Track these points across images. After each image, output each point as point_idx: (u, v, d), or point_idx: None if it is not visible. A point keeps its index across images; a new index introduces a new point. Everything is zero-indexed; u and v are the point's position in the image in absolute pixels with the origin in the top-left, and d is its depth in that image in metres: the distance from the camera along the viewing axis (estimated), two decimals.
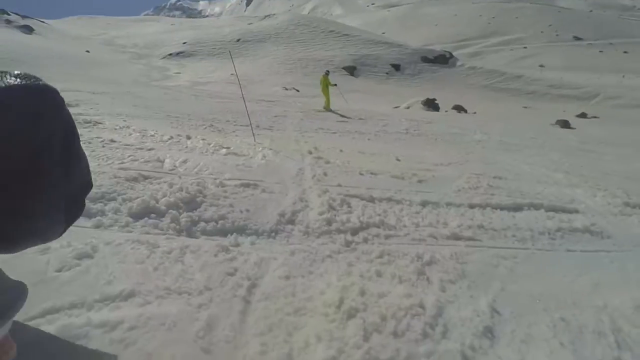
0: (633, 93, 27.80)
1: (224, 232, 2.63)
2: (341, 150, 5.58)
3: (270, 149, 5.21)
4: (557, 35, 63.46)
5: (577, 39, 62.04)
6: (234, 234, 2.61)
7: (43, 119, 0.40)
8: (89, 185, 0.46)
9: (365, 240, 2.58)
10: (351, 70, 31.44)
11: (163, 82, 24.68)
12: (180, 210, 2.87)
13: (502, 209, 3.68)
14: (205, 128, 7.32)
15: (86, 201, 3.33)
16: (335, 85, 12.38)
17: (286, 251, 2.40)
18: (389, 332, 1.77)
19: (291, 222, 2.77)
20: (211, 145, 5.08)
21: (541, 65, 44.13)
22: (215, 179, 3.51)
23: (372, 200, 3.30)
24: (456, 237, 2.83)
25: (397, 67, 32.74)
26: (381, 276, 2.19)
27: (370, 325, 1.75)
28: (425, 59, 34.51)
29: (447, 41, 57.50)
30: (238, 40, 39.76)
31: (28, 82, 0.40)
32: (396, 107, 19.48)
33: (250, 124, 6.44)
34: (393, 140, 7.55)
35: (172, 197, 3.00)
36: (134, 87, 14.24)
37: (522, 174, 5.43)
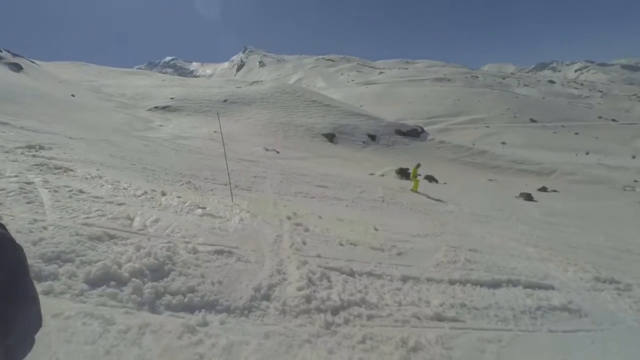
0: (586, 169, 30.56)
1: (191, 308, 2.38)
2: (320, 217, 5.53)
3: (248, 212, 5.08)
4: (515, 117, 70.83)
5: (533, 121, 69.45)
6: (203, 310, 2.36)
7: None
8: (37, 328, 0.39)
9: (347, 322, 2.39)
10: (330, 138, 32.98)
11: (145, 132, 24.67)
12: (145, 279, 2.60)
13: (481, 285, 3.63)
14: (183, 184, 7.14)
15: (38, 261, 2.93)
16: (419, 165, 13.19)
17: (260, 333, 2.17)
18: None
19: (267, 297, 2.56)
20: (187, 204, 4.90)
21: (503, 143, 48.27)
22: (188, 243, 3.30)
23: (352, 274, 3.16)
24: (440, 318, 2.70)
25: (373, 137, 34.72)
26: None
27: None
28: (399, 132, 36.98)
29: (419, 117, 62.61)
30: (225, 100, 41.45)
31: None
32: (371, 174, 20.18)
33: (230, 183, 6.36)
34: (370, 208, 7.62)
35: (137, 263, 2.74)
36: (113, 135, 14.09)
37: (495, 247, 5.52)
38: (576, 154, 41.73)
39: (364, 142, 33.44)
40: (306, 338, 2.15)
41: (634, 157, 46.51)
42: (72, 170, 5.54)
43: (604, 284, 4.42)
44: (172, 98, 40.79)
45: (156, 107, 37.51)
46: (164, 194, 5.34)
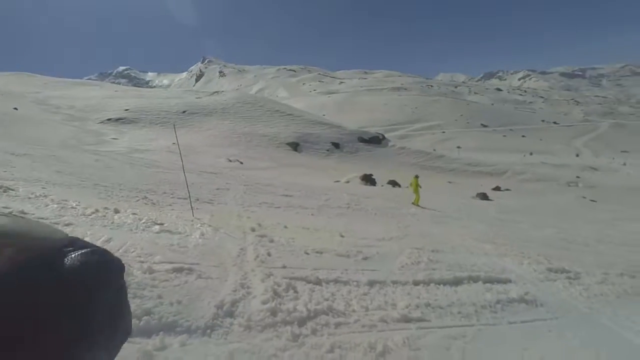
0: (533, 169, 33.05)
1: (148, 332, 2.21)
2: (285, 227, 5.45)
3: (210, 226, 4.89)
4: (468, 122, 75.38)
5: (484, 125, 74.32)
6: (161, 333, 2.20)
7: (99, 293, 0.40)
8: (128, 334, 0.45)
9: (314, 332, 2.34)
10: (294, 146, 33.01)
11: (97, 146, 23.16)
12: None
13: (444, 284, 3.74)
14: (138, 200, 6.75)
15: None
16: (417, 177, 12.80)
17: (224, 352, 2.05)
18: None
19: (230, 314, 2.44)
20: (142, 221, 4.62)
21: (458, 147, 51.05)
22: (143, 262, 3.09)
23: (319, 282, 3.12)
24: (406, 320, 2.74)
25: (337, 145, 35.25)
26: None
27: None
28: (362, 139, 37.90)
29: (379, 125, 64.62)
30: (184, 111, 40.14)
31: (97, 257, 0.40)
32: (337, 182, 20.38)
33: (190, 197, 6.11)
34: (336, 215, 7.66)
35: None
36: (61, 151, 13.07)
37: (455, 246, 5.75)
38: (524, 155, 45.09)
39: (328, 150, 33.83)
40: (273, 352, 2.06)
41: (577, 155, 51.12)
42: (13, 190, 5.05)
43: (556, 274, 4.73)
44: (126, 109, 38.83)
45: (109, 120, 35.49)
46: (117, 211, 5.00)
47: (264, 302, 2.57)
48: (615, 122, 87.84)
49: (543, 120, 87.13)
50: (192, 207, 5.79)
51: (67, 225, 3.97)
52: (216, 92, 58.85)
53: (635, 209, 18.11)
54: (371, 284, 3.34)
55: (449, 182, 27.13)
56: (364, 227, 6.41)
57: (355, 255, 4.15)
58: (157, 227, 4.45)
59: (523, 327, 3.17)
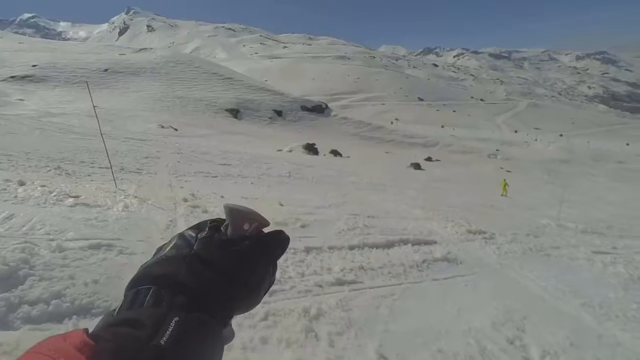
0: (461, 142, 36.06)
1: (58, 317, 1.98)
2: (222, 197, 5.23)
3: (136, 197, 4.49)
4: (406, 96, 78.54)
5: (421, 99, 78.14)
6: (74, 317, 1.99)
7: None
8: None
9: None
10: (234, 113, 31.47)
11: None
12: None
13: (377, 247, 3.96)
14: (50, 171, 5.93)
15: None
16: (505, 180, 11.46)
17: None
18: None
19: None
20: (53, 194, 4.06)
21: (396, 119, 53.29)
22: (52, 240, 2.73)
23: None
24: (340, 283, 2.84)
25: (279, 113, 34.40)
26: (266, 343, 1.95)
27: None
28: (305, 108, 37.45)
29: (322, 93, 64.25)
30: (106, 70, 35.44)
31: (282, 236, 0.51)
32: (279, 151, 20.10)
33: (111, 165, 5.50)
34: (276, 184, 7.58)
35: None
36: None
37: (389, 212, 6.10)
38: (453, 129, 48.79)
39: (270, 118, 32.92)
40: None
41: (516, 131, 56.37)
42: None
43: (474, 235, 5.29)
44: (34, 65, 33.07)
45: (13, 77, 30.01)
46: (22, 183, 4.34)
47: None
48: (531, 101, 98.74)
49: (472, 97, 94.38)
50: (114, 177, 5.24)
51: None
52: (144, 49, 52.68)
53: (540, 177, 20.96)
54: (308, 250, 3.39)
55: (387, 152, 28.44)
56: (304, 196, 6.45)
57: (293, 223, 4.16)
58: (71, 200, 3.95)
59: (445, 283, 3.52)
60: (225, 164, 9.62)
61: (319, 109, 38.43)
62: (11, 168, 5.70)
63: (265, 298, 2.22)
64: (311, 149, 21.23)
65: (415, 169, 18.87)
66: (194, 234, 0.47)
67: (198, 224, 0.50)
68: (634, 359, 2.61)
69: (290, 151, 20.87)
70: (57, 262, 2.40)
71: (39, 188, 4.23)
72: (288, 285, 2.60)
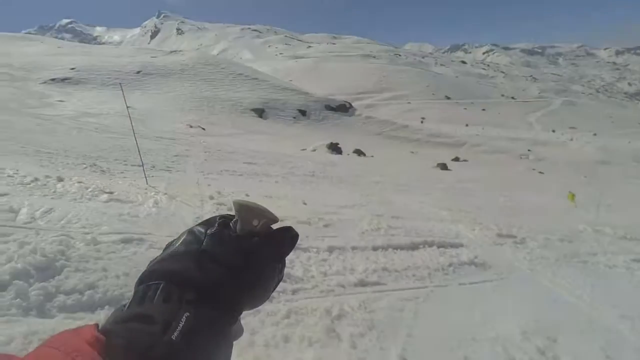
0: (490, 142, 34.79)
1: (91, 307, 2.07)
2: (247, 194, 5.32)
3: (165, 194, 4.64)
4: (433, 94, 76.69)
5: (448, 98, 76.07)
6: (106, 307, 2.08)
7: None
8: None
9: (270, 299, 2.32)
10: (260, 113, 31.96)
11: (40, 110, 20.90)
12: (31, 280, 2.20)
13: (401, 248, 3.88)
14: (86, 168, 6.26)
15: None
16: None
17: None
18: None
19: None
20: (89, 190, 4.28)
21: (423, 118, 52.14)
22: (87, 233, 2.87)
23: None
24: (363, 284, 2.81)
25: (303, 113, 34.59)
26: (288, 341, 1.96)
27: None
28: (329, 107, 37.42)
29: (346, 93, 63.94)
30: (138, 72, 37.01)
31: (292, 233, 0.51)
32: (303, 150, 20.20)
33: (142, 163, 5.73)
34: (300, 183, 7.62)
35: (19, 262, 2.29)
36: None
37: (415, 213, 5.97)
38: (482, 128, 47.14)
39: (294, 118, 33.16)
40: None
41: (554, 131, 53.47)
42: None
43: (504, 238, 5.08)
44: (72, 68, 35.04)
45: (53, 80, 31.92)
46: (60, 179, 4.59)
47: None
48: (567, 99, 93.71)
49: (503, 95, 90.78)
50: (145, 175, 5.45)
51: (2, 195, 3.58)
52: (174, 51, 54.62)
53: (575, 180, 19.82)
54: (331, 250, 3.37)
55: (412, 152, 27.90)
56: (328, 195, 6.43)
57: (316, 222, 4.15)
58: (105, 195, 4.15)
59: (471, 288, 3.39)
60: (250, 163, 9.79)
61: (343, 108, 38.29)
62: (51, 165, 6.05)
63: (288, 296, 2.22)
64: (335, 148, 21.20)
65: (441, 169, 18.38)
66: (203, 230, 0.48)
67: (207, 219, 0.51)
68: None
69: (314, 150, 20.92)
70: (92, 255, 2.52)
71: (76, 184, 4.46)
72: (310, 285, 2.60)
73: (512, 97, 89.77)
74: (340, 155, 20.01)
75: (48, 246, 2.52)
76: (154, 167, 7.21)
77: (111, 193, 4.28)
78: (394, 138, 32.91)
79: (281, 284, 2.47)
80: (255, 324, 2.05)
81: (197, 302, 0.40)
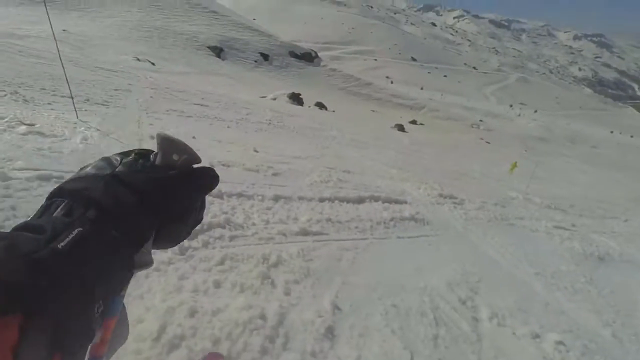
0: (447, 108, 35.86)
1: None
2: (194, 137, 4.98)
3: (98, 130, 4.18)
4: (399, 53, 75.84)
5: (414, 59, 75.79)
6: None
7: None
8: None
9: (206, 245, 2.23)
10: (217, 52, 29.47)
11: None
12: None
13: (348, 201, 3.94)
14: (5, 95, 5.40)
15: None
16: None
17: None
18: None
19: None
20: (4, 120, 3.70)
21: (388, 77, 51.85)
22: None
23: (220, 196, 2.94)
24: (305, 233, 2.81)
25: (265, 57, 32.54)
26: (219, 287, 1.91)
27: (197, 355, 1.45)
28: (293, 54, 35.53)
29: (313, 41, 60.96)
30: None
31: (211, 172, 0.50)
32: (263, 97, 19.31)
33: (71, 93, 5.05)
34: (254, 131, 7.31)
35: None
36: None
37: (366, 169, 6.06)
38: (441, 94, 48.21)
39: (255, 62, 31.16)
40: (154, 267, 1.91)
41: (511, 105, 55.91)
42: None
43: (445, 198, 5.38)
44: None
45: None
46: None
47: None
48: (522, 76, 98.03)
49: (465, 64, 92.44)
50: (75, 108, 4.82)
51: None
52: None
53: (517, 152, 21.44)
54: (277, 198, 3.31)
55: (373, 110, 27.99)
56: (282, 145, 6.26)
57: (265, 170, 4.02)
58: (24, 127, 3.61)
59: (408, 241, 3.58)
60: (202, 105, 9.13)
61: (309, 57, 36.65)
62: None
63: (225, 242, 2.13)
64: (296, 98, 20.53)
65: (398, 130, 18.77)
66: (119, 158, 0.47)
67: (127, 150, 0.49)
68: (574, 327, 2.80)
69: (275, 99, 20.09)
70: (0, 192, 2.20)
71: None
72: (250, 232, 2.53)
73: (474, 67, 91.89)
74: (301, 106, 19.46)
75: None
76: (88, 100, 6.42)
77: (32, 125, 3.74)
78: (357, 95, 32.61)
79: (219, 229, 2.36)
80: (186, 269, 1.96)
81: (96, 221, 0.38)
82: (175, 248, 2.10)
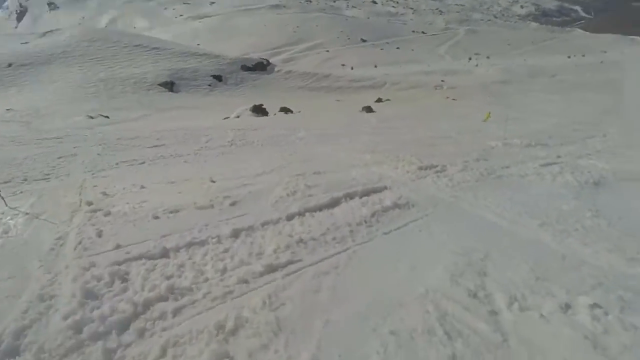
0: (407, 78, 35.81)
1: None
2: (142, 187, 4.47)
3: (27, 214, 3.65)
4: (348, 39, 75.75)
5: (364, 40, 75.82)
6: None
7: None
8: None
9: (142, 334, 1.76)
10: (169, 86, 28.62)
11: None
12: None
13: (320, 209, 3.51)
14: None
15: None
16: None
17: None
18: None
19: (14, 350, 1.66)
20: None
21: (343, 65, 51.60)
22: None
23: (165, 254, 2.48)
24: (272, 269, 2.37)
25: (219, 78, 31.80)
26: None
27: None
28: (245, 68, 34.81)
29: (262, 49, 60.32)
30: (10, 65, 30.24)
31: None
32: (226, 118, 18.72)
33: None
34: (214, 157, 6.82)
35: None
36: None
37: (337, 164, 5.63)
38: (400, 66, 48.25)
39: (209, 85, 30.41)
40: None
41: (470, 59, 56.03)
42: None
43: (425, 170, 5.00)
44: None
45: None
46: None
47: (65, 317, 1.83)
48: (469, 28, 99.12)
49: (413, 31, 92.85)
50: (1, 196, 4.26)
51: None
52: (50, 31, 45.50)
53: (484, 100, 21.36)
54: (236, 234, 2.85)
55: (337, 100, 27.61)
56: (244, 165, 5.79)
57: (220, 202, 3.55)
58: None
59: (396, 234, 3.17)
60: (157, 146, 8.58)
61: (261, 67, 36.02)
62: None
63: (167, 322, 1.61)
64: (260, 110, 19.96)
65: (367, 112, 18.42)
66: None
67: None
68: (602, 277, 2.43)
69: (238, 116, 19.50)
70: None
71: None
72: (201, 294, 2.07)
73: (423, 32, 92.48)
74: (266, 116, 18.93)
75: None
76: (25, 180, 5.83)
77: None
78: (318, 89, 32.23)
79: (160, 304, 1.81)
80: None
81: None
82: (99, 353, 1.63)
